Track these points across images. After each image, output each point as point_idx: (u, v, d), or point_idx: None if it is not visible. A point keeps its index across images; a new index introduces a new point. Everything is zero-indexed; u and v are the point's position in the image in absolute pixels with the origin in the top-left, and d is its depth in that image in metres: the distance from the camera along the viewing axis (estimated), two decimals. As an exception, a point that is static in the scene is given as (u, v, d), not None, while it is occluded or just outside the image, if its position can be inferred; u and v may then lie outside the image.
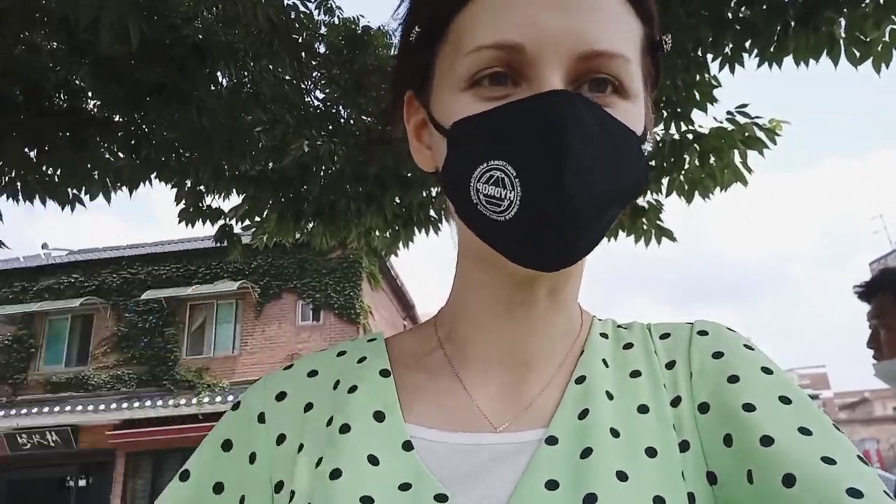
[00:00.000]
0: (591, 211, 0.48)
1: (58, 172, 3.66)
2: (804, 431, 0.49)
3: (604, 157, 0.49)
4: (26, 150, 3.48)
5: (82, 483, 13.32)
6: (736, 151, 3.62)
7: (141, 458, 13.17)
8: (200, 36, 3.46)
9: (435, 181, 0.60)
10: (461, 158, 0.51)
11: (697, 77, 3.37)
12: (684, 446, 0.52)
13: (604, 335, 0.63)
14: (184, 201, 4.18)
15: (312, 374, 0.63)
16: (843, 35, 2.70)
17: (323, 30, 4.23)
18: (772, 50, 2.82)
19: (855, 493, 0.44)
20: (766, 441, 0.48)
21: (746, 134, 3.56)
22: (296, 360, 0.65)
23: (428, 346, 0.63)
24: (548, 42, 0.48)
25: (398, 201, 4.19)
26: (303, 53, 3.96)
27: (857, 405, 35.61)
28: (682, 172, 3.76)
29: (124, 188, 3.86)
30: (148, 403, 12.63)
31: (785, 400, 0.52)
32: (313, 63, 4.07)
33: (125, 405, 12.76)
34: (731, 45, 2.92)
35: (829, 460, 0.46)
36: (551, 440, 0.52)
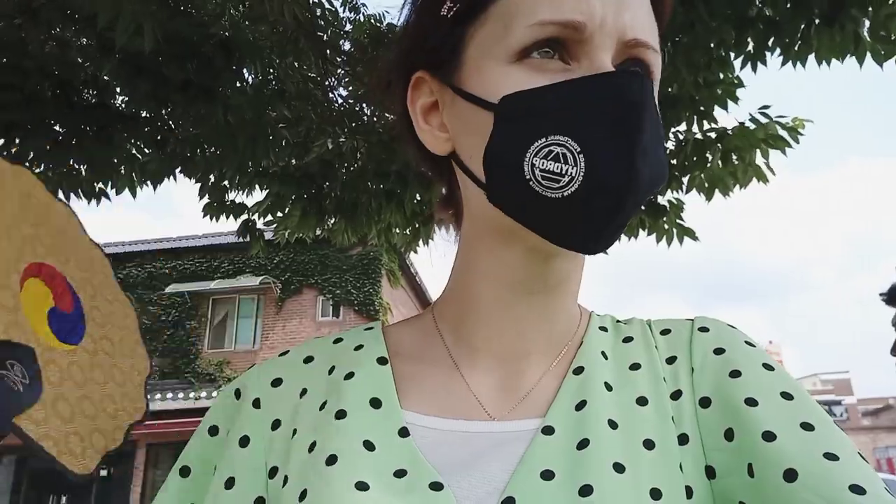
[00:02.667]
0: (643, 196, 0.49)
1: (84, 167, 3.72)
2: (806, 427, 0.49)
3: (656, 142, 0.50)
4: (54, 143, 3.54)
5: (103, 473, 13.51)
6: (758, 150, 3.60)
7: (161, 450, 13.33)
8: (227, 33, 3.50)
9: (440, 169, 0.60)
10: (515, 133, 0.50)
11: (721, 75, 3.35)
12: (683, 439, 0.53)
13: (603, 329, 0.63)
14: (207, 196, 4.23)
15: (308, 360, 0.63)
16: (868, 34, 2.67)
17: (348, 27, 4.25)
18: (795, 48, 2.80)
19: (857, 489, 0.44)
20: (768, 436, 0.48)
21: (769, 132, 3.53)
22: (292, 348, 0.65)
23: (426, 336, 0.63)
24: (602, 25, 0.50)
25: (419, 199, 4.21)
26: (328, 51, 3.99)
27: (881, 412, 35.01)
28: (704, 171, 3.74)
29: (149, 183, 3.91)
30: (169, 395, 12.77)
31: (787, 396, 0.52)
32: (338, 60, 4.10)
33: (147, 397, 12.90)
34: (753, 44, 2.90)
35: (831, 456, 0.46)
36: (548, 430, 0.52)
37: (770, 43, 2.85)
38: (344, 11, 4.22)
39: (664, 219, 3.99)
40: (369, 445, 0.53)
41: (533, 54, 0.51)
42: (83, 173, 3.76)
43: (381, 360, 0.60)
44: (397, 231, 4.59)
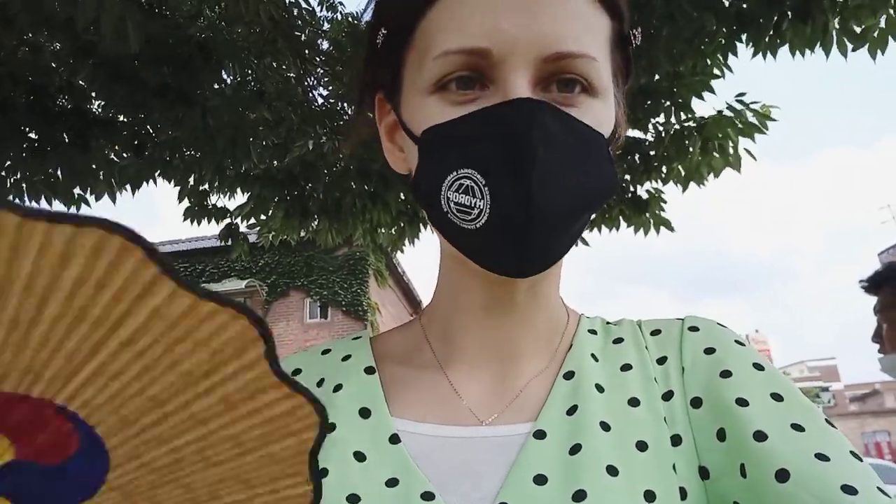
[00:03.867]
0: (560, 219, 0.49)
1: (61, 173, 3.67)
2: (797, 428, 0.49)
3: (570, 164, 0.49)
4: (31, 151, 3.49)
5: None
6: (730, 140, 3.64)
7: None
8: (204, 35, 3.46)
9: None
10: (432, 166, 0.52)
11: (707, 62, 3.37)
12: (676, 440, 0.52)
13: (592, 331, 0.62)
14: (187, 200, 4.19)
15: (296, 372, 0.63)
16: (836, 26, 2.70)
17: (326, 26, 4.23)
18: (766, 40, 2.82)
19: (849, 489, 0.44)
20: (759, 436, 0.48)
21: (742, 120, 3.57)
22: (280, 360, 0.66)
23: (413, 344, 0.63)
24: (513, 46, 0.49)
25: (403, 198, 4.20)
26: (306, 51, 3.97)
27: (868, 397, 35.46)
28: (683, 161, 3.76)
29: (128, 188, 3.87)
30: (158, 402, 12.68)
31: (777, 397, 0.52)
32: (316, 60, 4.07)
33: None
34: (725, 34, 2.92)
35: (822, 457, 0.46)
36: (539, 434, 0.52)
37: (743, 35, 2.87)
38: (321, 10, 4.20)
39: (645, 212, 4.02)
40: (360, 456, 0.52)
41: (450, 83, 0.51)
42: (61, 179, 3.71)
43: (369, 370, 0.60)
44: (383, 231, 4.58)
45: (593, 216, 0.57)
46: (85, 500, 0.37)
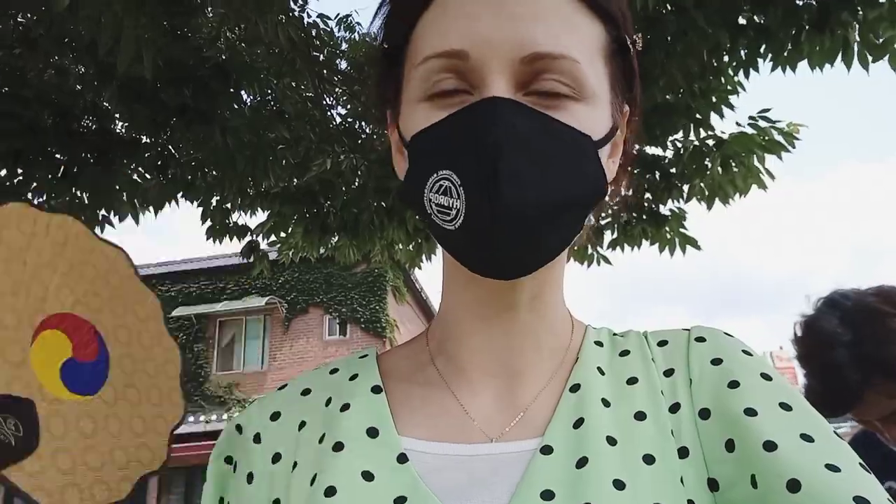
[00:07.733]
0: (533, 218, 0.49)
1: (86, 194, 3.73)
2: (806, 438, 0.48)
3: (544, 163, 0.49)
4: (57, 172, 3.56)
5: (116, 499, 13.42)
6: (755, 156, 3.60)
7: (174, 474, 13.28)
8: (223, 57, 3.52)
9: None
10: (417, 169, 0.53)
11: (722, 80, 3.35)
12: (683, 453, 0.52)
13: (598, 343, 0.62)
14: (209, 219, 4.24)
15: (306, 392, 0.63)
16: (857, 38, 2.68)
17: (344, 46, 4.29)
18: (786, 54, 2.80)
19: (862, 501, 0.43)
20: (769, 446, 0.48)
21: (766, 138, 3.53)
22: (290, 380, 0.66)
23: (420, 361, 0.63)
24: (490, 47, 0.49)
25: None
26: (324, 71, 4.02)
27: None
28: (703, 178, 3.73)
29: (151, 209, 3.93)
30: (179, 419, 12.73)
31: (785, 406, 0.51)
32: (335, 80, 4.12)
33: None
34: (745, 50, 2.91)
35: (833, 468, 0.46)
36: (546, 449, 0.52)
37: (762, 49, 2.85)
38: (339, 31, 4.26)
39: (666, 228, 3.98)
40: (368, 476, 0.52)
41: (436, 89, 0.52)
42: (85, 201, 3.77)
43: (376, 389, 0.60)
44: (400, 247, 4.60)
45: (600, 227, 0.58)
46: (100, 387, 1.27)
